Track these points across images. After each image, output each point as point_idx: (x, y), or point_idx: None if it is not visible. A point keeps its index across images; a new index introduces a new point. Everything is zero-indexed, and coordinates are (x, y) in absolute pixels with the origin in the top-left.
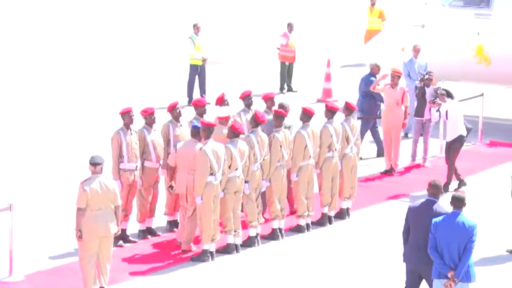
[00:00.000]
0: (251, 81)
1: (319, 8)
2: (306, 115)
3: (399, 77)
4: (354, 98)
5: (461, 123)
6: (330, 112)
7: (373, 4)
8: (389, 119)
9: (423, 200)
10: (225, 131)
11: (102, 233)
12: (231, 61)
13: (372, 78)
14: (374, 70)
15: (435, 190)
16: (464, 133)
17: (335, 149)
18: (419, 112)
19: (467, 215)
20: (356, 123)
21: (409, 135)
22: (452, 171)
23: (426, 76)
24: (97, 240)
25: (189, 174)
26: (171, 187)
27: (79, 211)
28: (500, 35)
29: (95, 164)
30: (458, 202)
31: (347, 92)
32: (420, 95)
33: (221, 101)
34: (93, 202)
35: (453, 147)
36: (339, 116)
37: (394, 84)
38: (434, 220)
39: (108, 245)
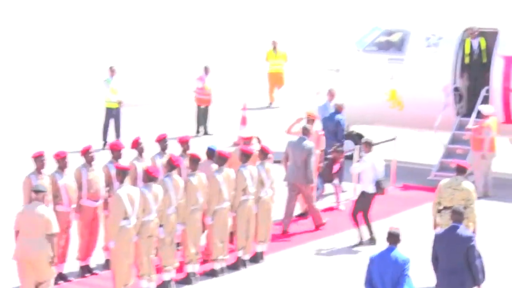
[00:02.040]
0: (167, 124)
1: (234, 51)
2: (221, 158)
3: (314, 121)
4: (268, 142)
5: (369, 178)
6: (245, 156)
7: (274, 48)
8: None
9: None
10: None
11: (32, 259)
12: (147, 104)
13: (337, 116)
14: (339, 109)
15: (458, 216)
16: (370, 190)
17: (250, 193)
18: (327, 177)
19: (401, 251)
20: (270, 166)
21: None
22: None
23: (339, 149)
24: (28, 266)
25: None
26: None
27: (15, 234)
28: (412, 79)
29: (37, 191)
30: (393, 238)
31: (263, 135)
32: (329, 166)
33: (136, 145)
34: (24, 227)
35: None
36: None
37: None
38: (370, 255)
39: (41, 273)
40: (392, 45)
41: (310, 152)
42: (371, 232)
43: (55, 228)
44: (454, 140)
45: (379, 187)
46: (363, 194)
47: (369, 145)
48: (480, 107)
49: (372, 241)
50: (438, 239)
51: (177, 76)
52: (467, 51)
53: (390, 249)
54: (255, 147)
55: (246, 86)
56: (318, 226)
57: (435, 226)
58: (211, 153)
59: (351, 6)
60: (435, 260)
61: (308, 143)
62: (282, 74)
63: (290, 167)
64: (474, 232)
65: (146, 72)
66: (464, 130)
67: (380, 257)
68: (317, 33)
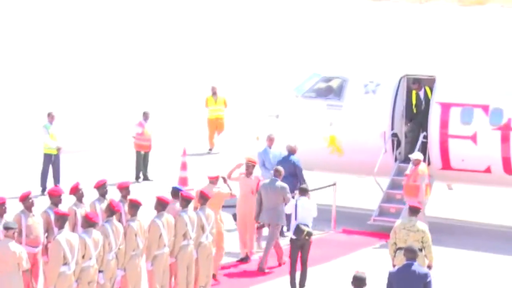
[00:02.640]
0: (106, 170)
1: (174, 97)
2: (161, 204)
3: (254, 166)
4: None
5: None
6: (185, 201)
7: (214, 93)
8: (245, 208)
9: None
10: (215, 189)
11: None
12: (86, 150)
13: (292, 157)
14: (292, 151)
15: (411, 254)
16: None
17: (191, 238)
18: None
19: None
20: (211, 212)
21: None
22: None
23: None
24: None
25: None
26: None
27: None
28: (351, 125)
29: (7, 228)
30: (358, 282)
31: (203, 180)
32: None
33: (75, 190)
34: None
35: (305, 247)
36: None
37: (248, 173)
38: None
39: None
40: (330, 92)
41: (285, 192)
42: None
43: (27, 265)
44: (393, 185)
45: (297, 231)
46: (290, 239)
47: (303, 191)
48: (410, 155)
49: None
50: (393, 277)
51: (116, 121)
52: (414, 102)
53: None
54: (221, 186)
55: (186, 132)
56: (280, 264)
57: (394, 266)
58: (175, 192)
59: (290, 52)
60: None
61: (281, 183)
62: (222, 120)
63: (265, 208)
64: (430, 267)
65: (85, 118)
66: (402, 176)
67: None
68: (257, 79)
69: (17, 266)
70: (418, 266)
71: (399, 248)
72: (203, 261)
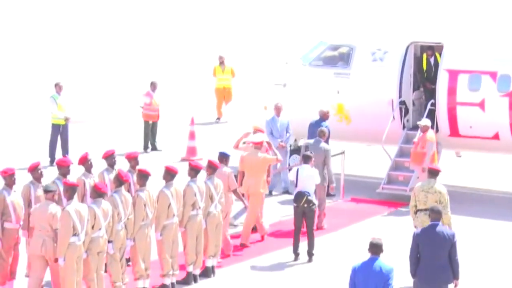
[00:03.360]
0: (114, 140)
1: (181, 66)
2: (170, 173)
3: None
4: (217, 155)
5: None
6: (194, 170)
7: (221, 63)
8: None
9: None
10: (260, 154)
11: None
12: (94, 120)
13: (323, 123)
14: (324, 116)
15: (436, 215)
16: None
17: (199, 207)
18: None
19: (384, 261)
20: (219, 181)
21: (273, 192)
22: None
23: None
24: None
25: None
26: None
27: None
28: (359, 93)
29: (47, 191)
30: (375, 248)
31: (211, 150)
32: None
33: (84, 161)
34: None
35: (309, 215)
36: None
37: None
38: (353, 265)
39: None
40: (338, 60)
41: (328, 153)
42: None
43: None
44: (401, 153)
45: (297, 198)
46: (294, 207)
47: (305, 158)
48: (419, 121)
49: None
50: (420, 237)
51: (124, 92)
52: (425, 67)
53: (373, 259)
54: (266, 151)
55: (194, 101)
56: (318, 228)
57: (415, 227)
58: (223, 157)
59: (297, 20)
60: (416, 258)
61: (325, 145)
62: (229, 89)
63: None
64: None
65: (93, 88)
66: (411, 143)
67: (364, 268)
68: (264, 48)
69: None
70: (443, 227)
71: (419, 210)
72: (212, 231)
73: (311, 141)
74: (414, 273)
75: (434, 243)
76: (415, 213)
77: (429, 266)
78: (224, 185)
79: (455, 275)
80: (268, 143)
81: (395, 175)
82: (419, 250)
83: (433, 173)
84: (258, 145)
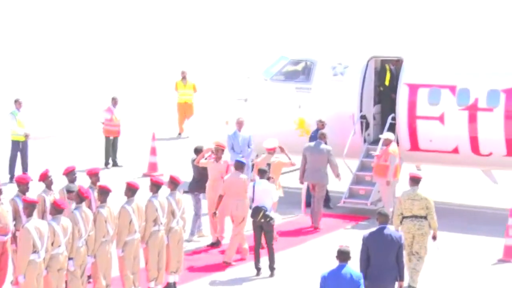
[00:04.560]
0: (75, 156)
1: (143, 81)
2: (131, 189)
3: (223, 150)
4: (179, 171)
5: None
6: (155, 186)
7: (183, 78)
8: (214, 192)
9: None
10: (274, 159)
11: None
12: (54, 136)
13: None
14: (319, 126)
15: (384, 218)
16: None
17: (161, 223)
18: None
19: (352, 267)
20: (181, 196)
21: None
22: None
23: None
24: None
25: (235, 200)
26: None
27: None
28: (320, 108)
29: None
30: (343, 255)
31: (173, 165)
32: None
33: (44, 177)
34: None
35: (267, 230)
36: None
37: (218, 158)
38: (322, 273)
39: None
40: (299, 74)
41: (330, 152)
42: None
43: None
44: (362, 167)
45: (254, 213)
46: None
47: (262, 172)
48: (381, 135)
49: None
50: (369, 240)
51: (85, 107)
52: (388, 77)
53: (341, 267)
54: (279, 156)
55: (155, 116)
56: (315, 228)
57: None
58: (240, 164)
59: (259, 35)
60: (365, 261)
61: (326, 146)
62: (191, 104)
63: (309, 169)
64: (434, 237)
65: (53, 104)
66: (372, 158)
67: (333, 275)
68: (226, 63)
69: None
70: (392, 230)
71: (405, 217)
72: (174, 247)
73: (312, 143)
74: (364, 275)
75: (383, 246)
76: (401, 221)
77: (378, 267)
78: (241, 190)
79: (400, 277)
80: (281, 147)
81: (356, 189)
82: (369, 252)
83: (415, 180)
84: (271, 151)
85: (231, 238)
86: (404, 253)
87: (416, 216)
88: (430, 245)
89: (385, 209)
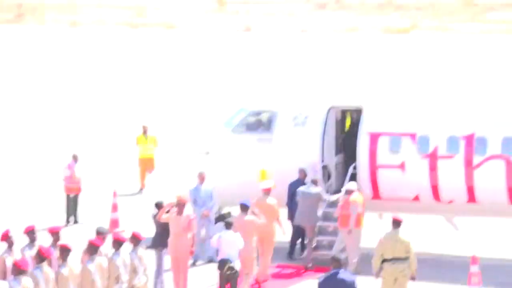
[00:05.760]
0: (35, 215)
1: (103, 138)
2: (93, 247)
3: (185, 204)
4: (141, 227)
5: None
6: (117, 243)
7: (144, 132)
8: (177, 247)
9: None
10: (269, 200)
11: None
12: (13, 195)
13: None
14: (301, 175)
15: (337, 263)
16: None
17: (123, 281)
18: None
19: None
20: (143, 253)
21: (197, 263)
22: None
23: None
24: None
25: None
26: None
27: None
28: (281, 158)
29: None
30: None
31: (134, 222)
32: None
33: (5, 238)
34: None
35: (232, 282)
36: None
37: (180, 212)
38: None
39: None
40: (260, 125)
41: (319, 197)
42: None
43: None
44: (325, 217)
45: (220, 265)
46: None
47: (227, 224)
48: (346, 185)
49: None
50: (324, 284)
51: (44, 165)
52: (348, 126)
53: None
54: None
55: (116, 172)
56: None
57: (377, 275)
58: (244, 207)
59: (216, 87)
60: None
61: (317, 188)
62: (152, 159)
63: (299, 212)
64: (414, 278)
65: (12, 161)
66: (334, 208)
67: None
68: (186, 117)
69: None
70: (346, 274)
71: (386, 260)
72: None
73: (304, 187)
74: None
75: None
76: (381, 263)
77: None
78: (249, 233)
79: None
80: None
81: (320, 240)
82: None
83: (397, 223)
84: (267, 192)
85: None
86: None
87: (397, 259)
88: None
89: (338, 255)
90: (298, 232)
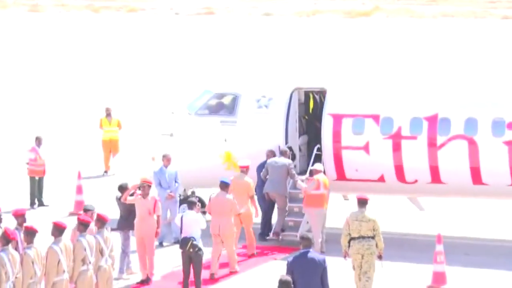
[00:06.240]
0: (0, 197)
1: (67, 120)
2: (58, 229)
3: (150, 186)
4: (106, 209)
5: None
6: (83, 225)
7: (108, 115)
8: (142, 229)
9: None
10: (247, 178)
11: None
12: None
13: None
14: (269, 155)
15: (307, 242)
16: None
17: (90, 262)
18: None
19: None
20: (109, 234)
21: (164, 243)
22: None
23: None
24: None
25: (221, 217)
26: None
27: None
28: (245, 141)
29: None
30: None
31: (100, 203)
32: None
33: None
34: None
35: (196, 260)
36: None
37: (145, 194)
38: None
39: None
40: (223, 108)
41: (290, 165)
42: None
43: None
44: (290, 199)
45: (182, 243)
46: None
47: (190, 204)
48: (311, 167)
49: None
50: (293, 264)
51: (8, 147)
52: (312, 107)
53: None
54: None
55: (80, 154)
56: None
57: (345, 255)
58: (224, 184)
59: (180, 69)
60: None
61: (287, 160)
62: (116, 141)
63: (269, 180)
64: (380, 256)
65: None
66: (299, 189)
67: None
68: (150, 98)
69: None
70: (315, 253)
71: (353, 238)
72: (103, 285)
73: (276, 158)
74: None
75: (307, 269)
76: (349, 242)
77: None
78: (227, 209)
79: None
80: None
81: (285, 221)
82: (293, 276)
83: (363, 202)
84: (244, 169)
85: (212, 252)
86: (354, 273)
87: (363, 237)
88: (376, 264)
89: (307, 233)
90: (270, 211)
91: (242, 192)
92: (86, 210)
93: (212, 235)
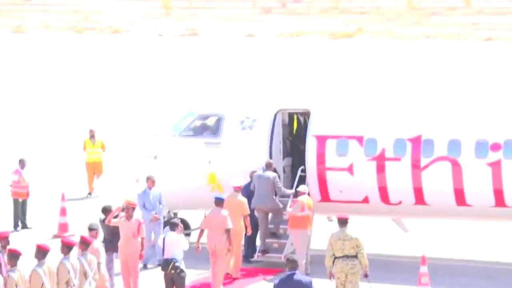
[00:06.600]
0: None
1: (50, 142)
2: (41, 252)
3: (134, 208)
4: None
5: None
6: (67, 247)
7: (92, 136)
8: (127, 251)
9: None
10: (239, 197)
11: None
12: None
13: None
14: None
15: (293, 264)
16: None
17: (74, 285)
18: None
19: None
20: (93, 257)
21: (148, 265)
22: None
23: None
24: None
25: (216, 233)
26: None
27: None
28: (229, 162)
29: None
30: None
31: (84, 225)
32: None
33: None
34: None
35: (178, 282)
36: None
37: (129, 216)
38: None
39: None
40: (207, 129)
41: (276, 178)
42: None
43: None
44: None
45: (164, 265)
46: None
47: (172, 225)
48: (298, 188)
49: None
50: (279, 287)
51: None
52: (296, 126)
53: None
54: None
55: (64, 177)
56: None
57: (330, 276)
58: (219, 201)
59: (164, 91)
60: None
61: (272, 173)
62: (100, 163)
63: (256, 194)
64: (366, 275)
65: None
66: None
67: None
68: (134, 120)
69: None
70: (301, 275)
71: (337, 258)
72: None
73: (259, 171)
74: None
75: None
76: (333, 262)
77: None
78: (222, 225)
79: None
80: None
81: (269, 243)
82: None
83: (343, 221)
84: (237, 189)
85: (214, 273)
86: None
87: (348, 256)
88: (361, 283)
89: (293, 255)
90: (254, 232)
91: (235, 211)
92: (91, 229)
93: (209, 253)
